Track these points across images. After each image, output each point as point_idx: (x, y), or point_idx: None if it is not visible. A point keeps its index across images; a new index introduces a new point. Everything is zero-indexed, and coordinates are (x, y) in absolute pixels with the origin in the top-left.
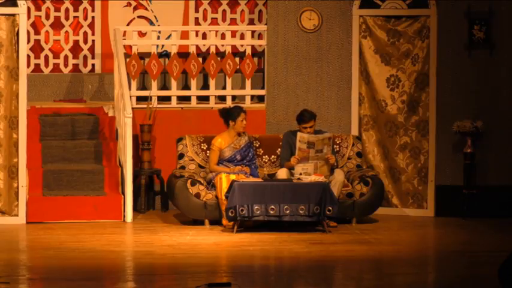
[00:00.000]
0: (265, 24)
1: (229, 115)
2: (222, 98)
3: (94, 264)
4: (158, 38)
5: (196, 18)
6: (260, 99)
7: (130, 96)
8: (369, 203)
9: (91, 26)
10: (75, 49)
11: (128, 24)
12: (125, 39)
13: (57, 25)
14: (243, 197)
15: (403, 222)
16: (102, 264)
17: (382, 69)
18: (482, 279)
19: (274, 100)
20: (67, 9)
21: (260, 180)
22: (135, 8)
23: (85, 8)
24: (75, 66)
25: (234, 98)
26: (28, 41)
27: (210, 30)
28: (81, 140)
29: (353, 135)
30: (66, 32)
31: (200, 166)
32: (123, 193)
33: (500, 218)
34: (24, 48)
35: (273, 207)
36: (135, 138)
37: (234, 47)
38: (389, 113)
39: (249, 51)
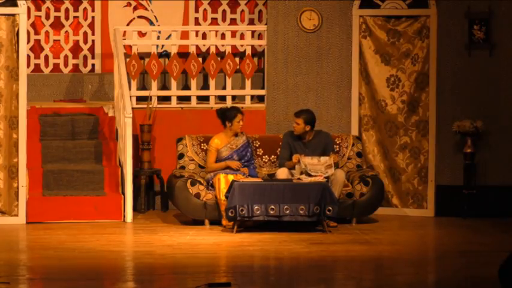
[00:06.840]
0: (265, 24)
1: (225, 116)
2: (222, 98)
3: (94, 264)
4: (158, 38)
5: (196, 18)
6: (260, 99)
7: (130, 96)
8: (369, 203)
9: (91, 26)
10: (75, 49)
11: (127, 24)
12: (125, 39)
13: (57, 25)
14: (243, 197)
15: (403, 222)
16: (102, 264)
17: (382, 69)
18: (482, 279)
19: (274, 100)
20: (67, 9)
21: (260, 180)
22: (135, 8)
23: (85, 8)
24: (75, 66)
25: (234, 98)
26: (28, 41)
27: (210, 30)
28: (81, 140)
29: (353, 135)
30: (66, 32)
31: (200, 166)
32: (123, 193)
33: (500, 218)
34: (24, 48)
35: (273, 207)
36: (135, 138)
37: (234, 47)
38: (389, 113)
39: (249, 51)
